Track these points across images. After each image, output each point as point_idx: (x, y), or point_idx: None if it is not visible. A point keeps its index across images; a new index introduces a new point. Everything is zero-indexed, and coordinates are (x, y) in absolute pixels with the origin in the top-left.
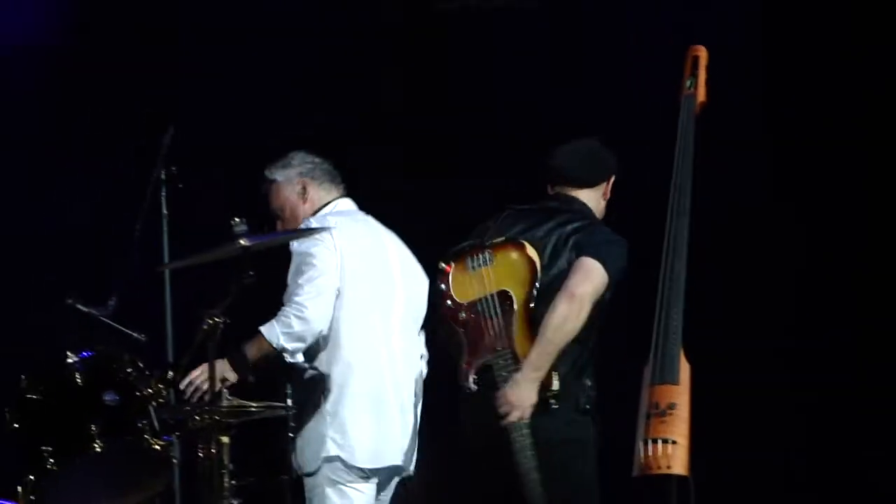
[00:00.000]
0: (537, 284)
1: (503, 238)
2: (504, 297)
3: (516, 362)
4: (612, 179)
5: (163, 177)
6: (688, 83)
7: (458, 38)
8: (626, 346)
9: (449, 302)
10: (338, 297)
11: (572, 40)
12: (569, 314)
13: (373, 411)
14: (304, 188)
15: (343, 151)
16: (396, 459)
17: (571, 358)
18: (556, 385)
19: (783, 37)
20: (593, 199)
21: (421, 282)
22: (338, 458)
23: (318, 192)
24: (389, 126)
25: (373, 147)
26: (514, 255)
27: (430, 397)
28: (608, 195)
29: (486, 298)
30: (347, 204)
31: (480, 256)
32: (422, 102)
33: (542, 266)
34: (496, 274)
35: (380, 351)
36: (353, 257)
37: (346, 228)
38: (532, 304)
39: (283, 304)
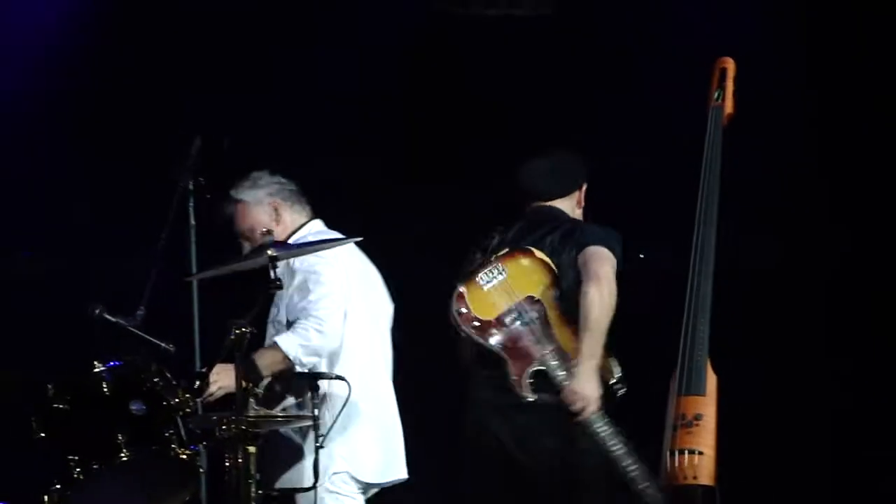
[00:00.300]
0: (560, 282)
1: (507, 249)
2: (532, 301)
3: (568, 359)
4: (584, 187)
5: (190, 187)
6: (715, 95)
7: (473, 44)
8: (651, 357)
9: (476, 322)
10: (344, 315)
11: (594, 49)
12: (602, 296)
13: (379, 427)
14: (277, 210)
15: (358, 156)
16: (401, 473)
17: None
18: (616, 371)
19: (806, 48)
20: (568, 207)
21: (389, 299)
22: (345, 472)
23: (290, 214)
24: (396, 131)
25: (381, 153)
26: (525, 261)
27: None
28: (582, 202)
29: (515, 308)
30: (321, 225)
31: (492, 271)
32: (430, 106)
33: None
34: (515, 283)
35: (380, 368)
36: (353, 276)
37: (343, 248)
38: (560, 302)
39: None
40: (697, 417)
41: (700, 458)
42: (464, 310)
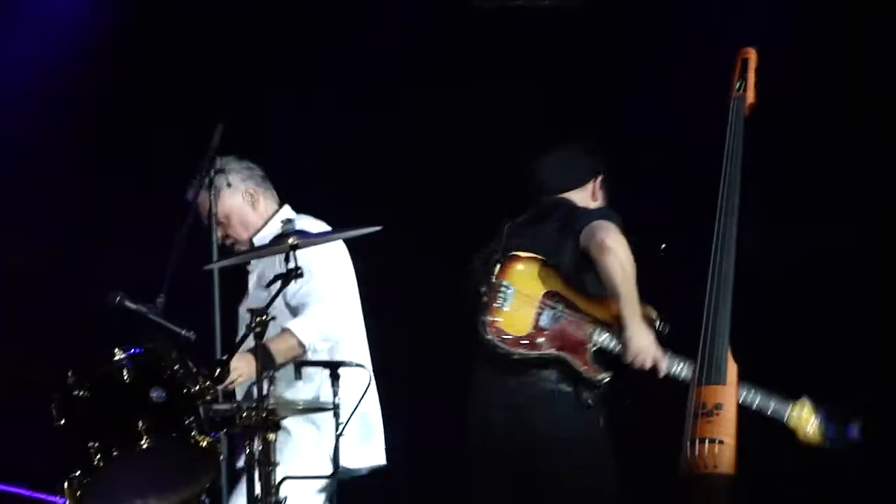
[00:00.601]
0: (561, 265)
1: (497, 267)
2: (551, 295)
3: (612, 326)
4: (599, 178)
5: (212, 174)
6: (737, 85)
7: (499, 37)
8: (672, 345)
9: (523, 341)
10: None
11: (617, 40)
12: (619, 260)
13: (361, 414)
14: (253, 196)
15: (392, 150)
16: (380, 459)
17: None
18: (654, 314)
19: (832, 36)
20: (581, 199)
21: None
22: (326, 454)
23: (265, 201)
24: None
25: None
26: (520, 265)
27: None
28: (597, 195)
29: (541, 310)
30: (291, 210)
31: (501, 291)
32: (463, 100)
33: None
34: (526, 289)
35: (364, 353)
36: (344, 264)
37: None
38: (574, 282)
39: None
40: (718, 406)
41: (721, 447)
42: (506, 336)
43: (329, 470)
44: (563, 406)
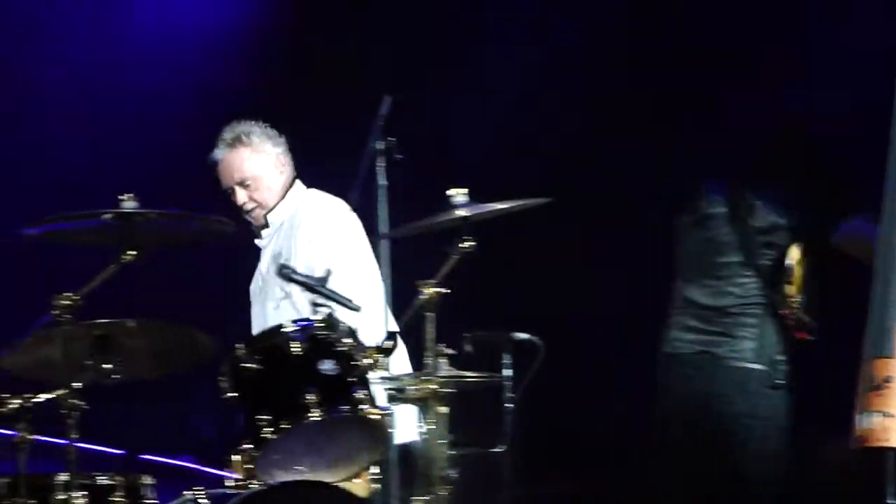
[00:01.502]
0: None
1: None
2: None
3: None
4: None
5: (380, 147)
6: None
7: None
8: (841, 320)
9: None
10: None
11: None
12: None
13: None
14: (283, 166)
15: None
16: (413, 436)
17: (773, 326)
18: None
19: None
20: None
21: None
22: None
23: (289, 167)
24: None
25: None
26: (799, 271)
27: None
28: None
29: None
30: (303, 185)
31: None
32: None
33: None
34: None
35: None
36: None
37: None
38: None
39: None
40: (888, 380)
41: (890, 420)
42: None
43: None
44: (754, 382)
